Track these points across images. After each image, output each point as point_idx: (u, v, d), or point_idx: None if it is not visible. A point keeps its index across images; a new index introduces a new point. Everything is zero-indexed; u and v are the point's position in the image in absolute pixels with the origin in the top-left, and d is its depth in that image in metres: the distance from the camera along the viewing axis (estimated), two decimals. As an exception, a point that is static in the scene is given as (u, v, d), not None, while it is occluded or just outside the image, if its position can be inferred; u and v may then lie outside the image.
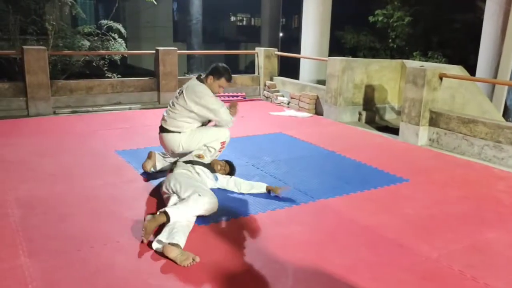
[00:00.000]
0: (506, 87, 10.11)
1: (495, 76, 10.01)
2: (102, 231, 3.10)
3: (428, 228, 3.33)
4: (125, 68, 13.01)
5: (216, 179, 3.89)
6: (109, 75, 8.59)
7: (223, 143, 4.26)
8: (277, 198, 3.77)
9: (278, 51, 9.47)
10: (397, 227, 3.33)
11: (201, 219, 3.30)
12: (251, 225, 3.28)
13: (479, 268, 2.78)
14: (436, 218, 3.52)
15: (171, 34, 20.45)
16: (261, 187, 3.86)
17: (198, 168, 3.81)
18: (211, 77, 4.12)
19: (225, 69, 4.16)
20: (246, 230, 3.21)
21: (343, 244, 3.04)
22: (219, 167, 4.01)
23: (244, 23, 28.08)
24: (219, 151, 4.29)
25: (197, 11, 12.40)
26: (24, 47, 7.00)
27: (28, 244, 2.89)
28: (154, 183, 4.07)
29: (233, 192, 3.85)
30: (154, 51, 8.03)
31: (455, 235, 3.24)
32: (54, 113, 7.06)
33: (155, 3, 8.40)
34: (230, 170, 4.11)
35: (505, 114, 10.03)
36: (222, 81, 4.13)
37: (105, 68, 8.72)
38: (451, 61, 12.10)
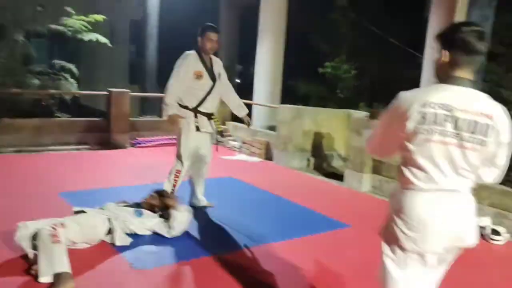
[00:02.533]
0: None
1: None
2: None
3: (366, 273, 3.42)
4: (79, 108, 12.80)
5: (139, 214, 3.80)
6: (58, 115, 8.44)
7: (177, 171, 4.39)
8: (220, 242, 3.78)
9: (232, 97, 9.67)
10: (338, 271, 3.42)
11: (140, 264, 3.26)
12: (190, 271, 3.27)
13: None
14: (374, 264, 3.62)
15: (127, 76, 20.44)
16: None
17: (117, 210, 3.77)
18: (199, 38, 4.26)
19: (205, 25, 4.29)
20: (183, 277, 3.19)
21: (283, 288, 3.08)
22: (145, 203, 3.98)
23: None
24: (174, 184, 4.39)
25: (152, 55, 12.56)
26: (-31, 84, 6.81)
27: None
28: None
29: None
30: (106, 92, 8.02)
31: (391, 279, 3.35)
32: (-3, 152, 6.82)
33: (110, 45, 8.48)
34: (162, 201, 3.98)
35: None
36: (207, 35, 4.21)
37: (56, 107, 8.58)
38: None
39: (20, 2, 8.16)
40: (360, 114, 7.40)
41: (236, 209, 4.75)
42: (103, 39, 7.97)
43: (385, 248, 2.06)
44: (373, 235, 4.24)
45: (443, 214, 1.91)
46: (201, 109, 4.33)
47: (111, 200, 4.42)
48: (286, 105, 7.64)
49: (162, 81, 15.36)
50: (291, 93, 13.83)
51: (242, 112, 4.66)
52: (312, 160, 7.46)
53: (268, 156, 7.81)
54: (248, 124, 4.68)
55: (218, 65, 4.45)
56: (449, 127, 1.85)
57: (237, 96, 4.67)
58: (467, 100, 1.87)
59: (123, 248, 3.49)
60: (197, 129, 4.33)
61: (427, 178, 1.90)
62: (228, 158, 7.56)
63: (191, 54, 4.30)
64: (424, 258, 1.97)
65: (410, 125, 1.87)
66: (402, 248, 1.97)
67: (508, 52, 12.56)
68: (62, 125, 7.61)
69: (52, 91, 8.46)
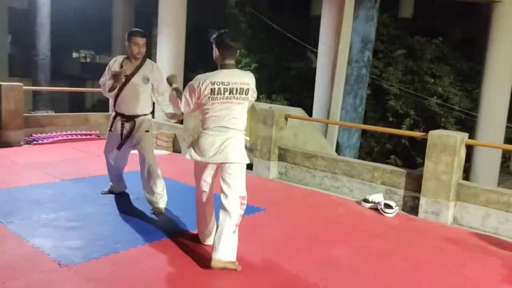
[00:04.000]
0: (337, 126, 11.70)
1: (328, 117, 11.54)
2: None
3: (286, 250, 3.77)
4: None
5: None
6: None
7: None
8: (146, 233, 3.85)
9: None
10: (261, 251, 3.70)
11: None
12: (120, 263, 3.31)
13: (330, 280, 3.28)
14: (292, 241, 3.99)
15: (6, 68, 18.74)
16: None
17: None
18: (126, 43, 4.29)
19: (131, 30, 4.36)
20: (115, 269, 3.23)
21: (213, 271, 3.27)
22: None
23: (88, 60, 27.16)
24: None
25: (45, 46, 11.72)
26: None
27: None
28: (9, 227, 3.78)
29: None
30: (-6, 86, 7.37)
31: (308, 254, 3.73)
32: None
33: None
34: None
35: (337, 150, 11.56)
36: (133, 39, 4.22)
37: None
38: (290, 103, 13.56)
39: None
40: (264, 106, 7.80)
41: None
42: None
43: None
44: (287, 216, 4.66)
45: (220, 140, 3.29)
46: (116, 109, 4.42)
47: (18, 200, 4.27)
48: (192, 98, 7.73)
49: (55, 74, 14.37)
50: (192, 86, 13.96)
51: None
52: (220, 151, 7.67)
53: (176, 149, 7.86)
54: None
55: (147, 70, 4.38)
56: (227, 94, 3.22)
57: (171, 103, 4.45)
58: (234, 76, 3.27)
59: (46, 247, 3.40)
60: (110, 128, 4.49)
61: (215, 122, 3.27)
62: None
63: (117, 57, 4.46)
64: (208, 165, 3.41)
65: (204, 94, 3.22)
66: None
67: (386, 48, 14.05)
68: None
69: None
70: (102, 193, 4.88)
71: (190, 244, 3.71)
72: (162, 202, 4.45)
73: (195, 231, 3.94)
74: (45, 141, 7.60)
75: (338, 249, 3.88)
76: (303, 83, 14.58)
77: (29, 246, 3.44)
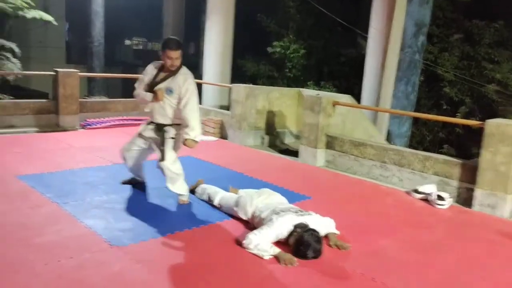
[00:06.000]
0: (388, 114, 11.36)
1: (377, 105, 11.23)
2: (12, 259, 2.97)
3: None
4: (12, 89, 12.17)
5: None
6: None
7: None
8: (194, 217, 3.91)
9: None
10: (305, 239, 3.66)
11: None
12: (168, 245, 3.39)
13: (377, 270, 3.20)
14: (338, 230, 3.92)
15: (64, 55, 19.53)
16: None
17: None
18: (161, 53, 4.02)
19: (166, 40, 4.06)
20: (163, 251, 3.31)
21: (260, 259, 3.28)
22: None
23: (141, 47, 27.81)
24: None
25: (99, 34, 12.12)
26: None
27: None
28: (65, 207, 3.96)
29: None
30: (53, 73, 7.71)
31: (355, 243, 3.65)
32: None
33: (55, 23, 8.07)
34: None
35: (387, 139, 11.25)
36: (166, 52, 3.95)
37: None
38: (339, 90, 13.30)
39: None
40: (311, 92, 7.69)
41: (201, 186, 4.86)
42: (48, 17, 7.57)
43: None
44: (333, 205, 4.58)
45: None
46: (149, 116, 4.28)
47: (73, 182, 4.44)
48: (240, 84, 7.75)
49: (109, 60, 14.82)
50: (240, 72, 14.00)
51: (185, 134, 4.16)
52: (266, 137, 7.68)
53: (223, 135, 7.93)
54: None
55: (174, 81, 4.09)
56: None
57: (188, 118, 4.10)
58: None
59: (98, 228, 3.54)
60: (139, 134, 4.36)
61: None
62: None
63: (154, 63, 4.24)
64: None
65: None
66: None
67: (442, 33, 13.43)
68: (5, 107, 7.26)
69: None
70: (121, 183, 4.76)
71: (237, 230, 3.74)
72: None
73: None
74: (98, 125, 7.87)
75: (385, 240, 3.78)
76: (352, 70, 14.25)
77: (82, 226, 3.58)
